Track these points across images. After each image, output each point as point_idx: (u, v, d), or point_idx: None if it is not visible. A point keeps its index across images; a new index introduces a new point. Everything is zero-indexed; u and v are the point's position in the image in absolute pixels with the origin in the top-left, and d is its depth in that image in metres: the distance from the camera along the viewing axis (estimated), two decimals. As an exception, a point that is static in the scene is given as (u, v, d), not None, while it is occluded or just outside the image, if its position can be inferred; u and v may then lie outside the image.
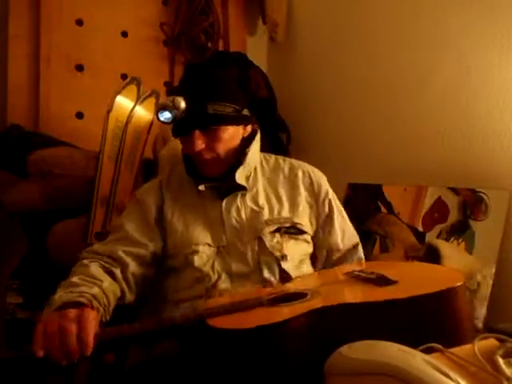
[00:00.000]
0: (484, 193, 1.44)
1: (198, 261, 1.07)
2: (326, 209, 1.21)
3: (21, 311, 1.56)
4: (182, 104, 1.04)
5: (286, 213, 1.15)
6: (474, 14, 1.50)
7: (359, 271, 0.99)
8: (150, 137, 1.67)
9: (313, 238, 1.20)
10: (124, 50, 2.11)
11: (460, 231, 1.48)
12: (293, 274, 1.09)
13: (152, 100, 1.65)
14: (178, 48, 2.18)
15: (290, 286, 1.01)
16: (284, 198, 1.18)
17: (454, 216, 1.51)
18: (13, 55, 1.88)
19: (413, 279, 0.94)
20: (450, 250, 1.48)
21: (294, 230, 1.14)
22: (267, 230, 1.11)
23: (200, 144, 1.08)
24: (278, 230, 1.12)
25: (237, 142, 1.14)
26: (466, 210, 1.48)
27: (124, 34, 2.12)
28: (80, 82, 2.02)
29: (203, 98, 1.07)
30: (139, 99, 1.62)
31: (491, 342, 0.72)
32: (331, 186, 1.27)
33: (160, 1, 2.20)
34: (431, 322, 0.81)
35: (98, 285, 0.99)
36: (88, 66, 2.04)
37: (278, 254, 1.09)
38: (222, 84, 1.12)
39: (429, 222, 1.57)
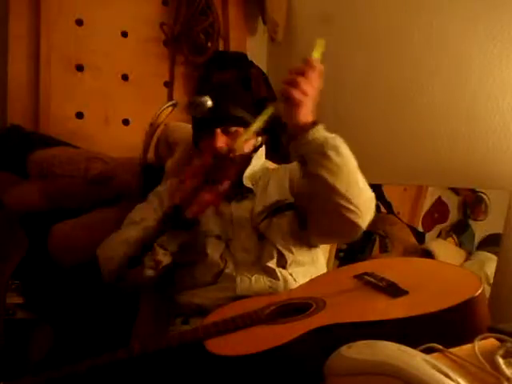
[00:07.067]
0: (484, 193, 1.44)
1: (209, 248, 1.18)
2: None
3: (21, 311, 1.55)
4: (209, 102, 1.19)
5: (271, 199, 1.24)
6: (474, 14, 1.50)
7: (369, 275, 0.97)
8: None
9: (300, 199, 1.22)
10: (124, 50, 2.11)
11: (460, 231, 1.48)
12: (290, 254, 1.18)
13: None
14: (178, 48, 2.18)
15: (294, 294, 1.00)
16: (274, 190, 1.26)
17: (454, 216, 1.51)
18: (13, 55, 1.88)
19: (425, 287, 0.89)
20: (446, 252, 1.48)
21: (278, 208, 1.22)
22: (259, 218, 1.21)
23: (222, 141, 1.20)
24: (266, 217, 1.21)
25: (249, 148, 1.25)
26: (466, 210, 1.48)
27: (124, 34, 2.12)
28: (80, 82, 2.02)
29: (228, 100, 1.23)
30: (160, 109, 1.67)
31: (491, 341, 0.71)
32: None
33: (160, 1, 2.20)
34: (450, 336, 0.74)
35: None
36: (88, 66, 2.04)
37: (274, 236, 1.18)
38: (243, 94, 1.32)
39: (429, 221, 1.57)
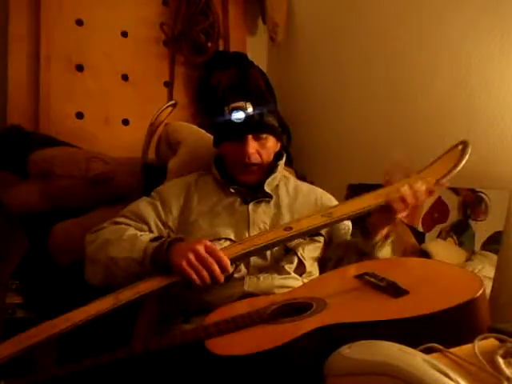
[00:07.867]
0: (484, 193, 1.44)
1: None
2: None
3: (20, 311, 1.56)
4: (250, 109, 1.20)
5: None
6: (474, 13, 1.50)
7: (370, 275, 0.97)
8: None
9: (326, 242, 1.29)
10: (124, 50, 2.11)
11: (460, 231, 1.48)
12: (308, 264, 1.21)
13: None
14: (178, 48, 2.18)
15: (295, 294, 1.00)
16: (304, 207, 1.28)
17: (454, 216, 1.51)
18: (13, 55, 1.88)
19: (426, 288, 0.89)
20: (444, 252, 1.48)
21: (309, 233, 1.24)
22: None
23: (253, 147, 1.22)
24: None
25: (272, 154, 1.29)
26: (466, 210, 1.48)
27: (124, 34, 2.12)
28: (80, 82, 2.02)
29: (264, 107, 1.23)
30: (160, 109, 1.68)
31: (491, 341, 0.71)
32: (331, 187, 1.30)
33: (160, 1, 2.20)
34: (450, 336, 0.74)
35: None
36: (88, 66, 2.04)
37: (299, 250, 1.20)
38: (272, 101, 1.32)
39: (429, 222, 1.57)
